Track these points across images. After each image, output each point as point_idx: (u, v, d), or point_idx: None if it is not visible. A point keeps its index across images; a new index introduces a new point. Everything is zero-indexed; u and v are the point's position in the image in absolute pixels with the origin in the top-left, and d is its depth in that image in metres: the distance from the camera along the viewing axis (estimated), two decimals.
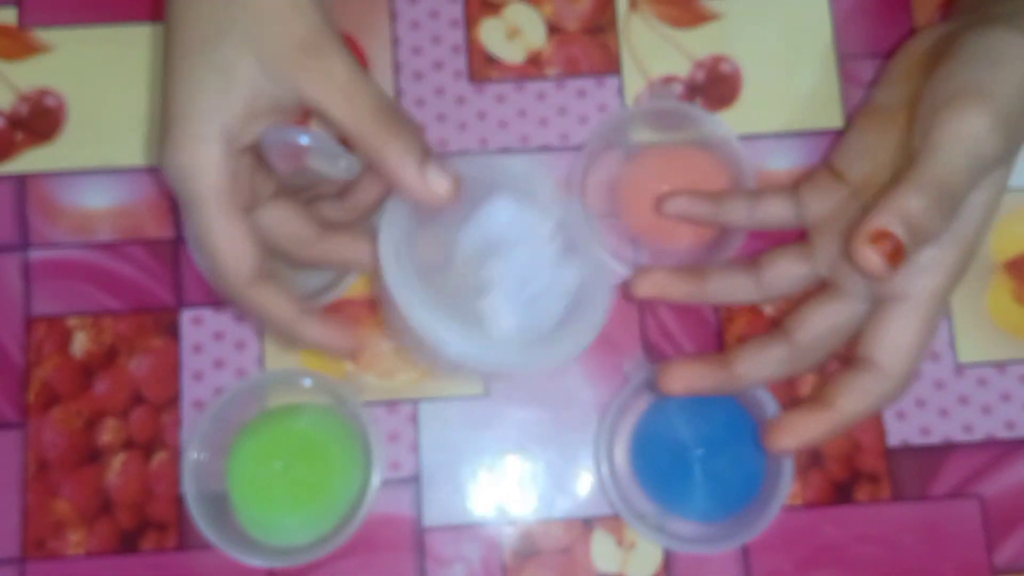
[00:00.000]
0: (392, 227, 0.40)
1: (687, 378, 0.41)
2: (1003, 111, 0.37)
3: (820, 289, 0.44)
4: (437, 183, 0.37)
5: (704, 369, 0.41)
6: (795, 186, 0.47)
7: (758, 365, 0.41)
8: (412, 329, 0.39)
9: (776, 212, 0.47)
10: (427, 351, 0.40)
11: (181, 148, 0.37)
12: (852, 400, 0.40)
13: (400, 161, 0.37)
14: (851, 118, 0.53)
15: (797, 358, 0.43)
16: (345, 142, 0.39)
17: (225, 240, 0.38)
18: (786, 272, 0.45)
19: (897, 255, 0.36)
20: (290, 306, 0.40)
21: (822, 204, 0.45)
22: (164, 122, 0.38)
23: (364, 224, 0.45)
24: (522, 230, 0.43)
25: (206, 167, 0.37)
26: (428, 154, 0.38)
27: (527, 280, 0.43)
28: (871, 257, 0.36)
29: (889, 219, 0.36)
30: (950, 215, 0.38)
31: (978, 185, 0.39)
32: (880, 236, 0.36)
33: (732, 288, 0.46)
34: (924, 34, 0.45)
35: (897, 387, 0.41)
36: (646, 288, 0.45)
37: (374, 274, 0.40)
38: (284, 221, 0.43)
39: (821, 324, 0.43)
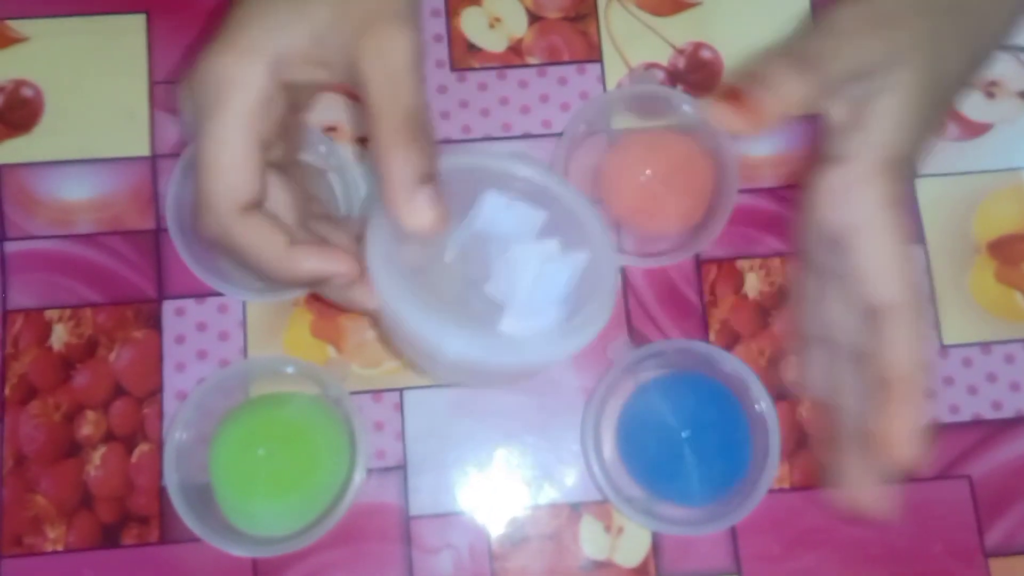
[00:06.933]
0: (379, 231, 0.38)
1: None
2: (867, 5, 0.39)
3: None
4: (421, 212, 0.35)
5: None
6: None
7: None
8: (408, 334, 0.37)
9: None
10: (427, 358, 0.38)
11: (230, 53, 0.36)
12: (899, 349, 0.38)
13: (397, 173, 0.35)
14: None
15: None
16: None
17: (231, 159, 0.36)
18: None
19: (749, 112, 0.37)
20: (282, 237, 0.37)
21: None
22: (221, 28, 0.36)
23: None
24: (513, 224, 0.42)
25: (246, 81, 0.36)
26: (429, 179, 0.35)
27: (522, 273, 0.42)
28: (725, 114, 0.38)
29: (744, 79, 0.38)
30: (812, 79, 0.38)
31: (864, 85, 0.38)
32: (732, 94, 0.38)
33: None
34: None
35: (914, 309, 0.38)
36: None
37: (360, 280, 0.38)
38: (276, 190, 0.39)
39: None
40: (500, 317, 0.40)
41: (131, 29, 0.55)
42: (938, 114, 0.40)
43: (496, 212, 0.42)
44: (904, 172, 0.39)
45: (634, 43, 0.56)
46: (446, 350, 0.37)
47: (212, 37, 0.37)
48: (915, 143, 0.39)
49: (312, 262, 0.37)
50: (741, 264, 0.53)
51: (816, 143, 0.41)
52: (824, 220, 0.39)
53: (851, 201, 0.38)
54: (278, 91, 0.37)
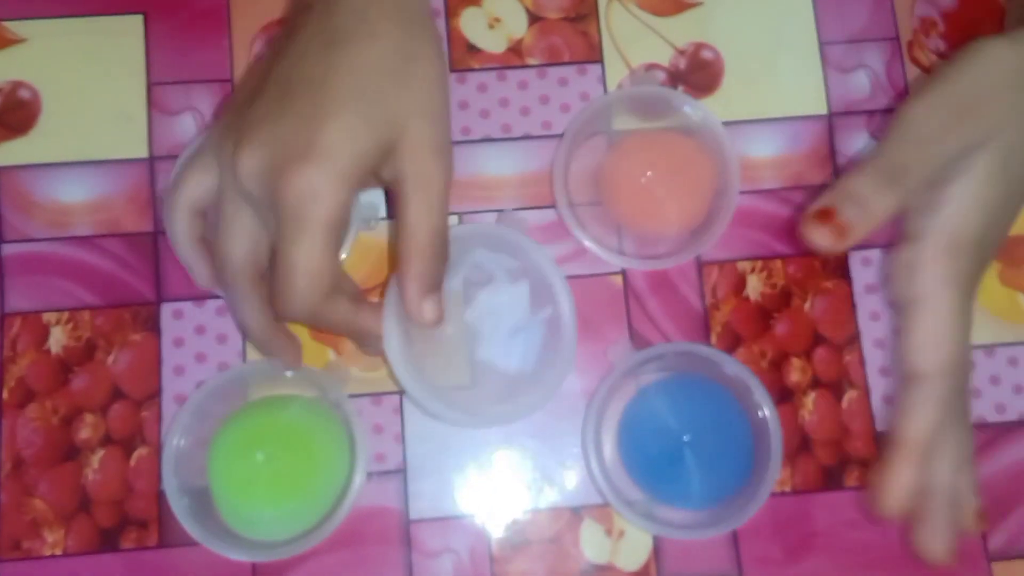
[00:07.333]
0: (393, 304, 0.45)
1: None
2: (946, 96, 0.40)
3: None
4: (427, 310, 0.42)
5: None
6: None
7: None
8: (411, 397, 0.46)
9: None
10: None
11: (320, 175, 0.39)
12: (910, 415, 0.41)
13: (414, 278, 0.42)
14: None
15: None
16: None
17: (318, 264, 0.40)
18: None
19: (842, 232, 0.39)
20: (351, 306, 0.43)
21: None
22: (309, 142, 0.39)
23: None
24: (495, 270, 0.49)
25: (334, 200, 0.39)
26: (437, 286, 0.43)
27: (503, 313, 0.48)
28: (818, 233, 0.39)
29: (834, 197, 0.40)
30: (902, 192, 0.40)
31: (945, 173, 0.40)
32: (824, 214, 0.40)
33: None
34: None
35: (943, 385, 0.41)
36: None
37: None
38: None
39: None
40: (477, 345, 0.48)
41: (129, 30, 0.54)
42: (1018, 190, 0.42)
43: (485, 262, 0.49)
44: (973, 253, 0.41)
45: (635, 44, 0.55)
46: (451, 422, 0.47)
47: (302, 139, 0.40)
48: (988, 224, 0.41)
49: (371, 320, 0.45)
50: (742, 266, 0.53)
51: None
52: (897, 292, 0.42)
53: (917, 278, 0.41)
54: (354, 199, 0.41)
